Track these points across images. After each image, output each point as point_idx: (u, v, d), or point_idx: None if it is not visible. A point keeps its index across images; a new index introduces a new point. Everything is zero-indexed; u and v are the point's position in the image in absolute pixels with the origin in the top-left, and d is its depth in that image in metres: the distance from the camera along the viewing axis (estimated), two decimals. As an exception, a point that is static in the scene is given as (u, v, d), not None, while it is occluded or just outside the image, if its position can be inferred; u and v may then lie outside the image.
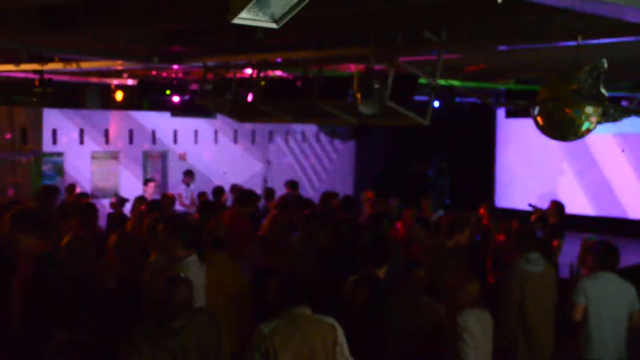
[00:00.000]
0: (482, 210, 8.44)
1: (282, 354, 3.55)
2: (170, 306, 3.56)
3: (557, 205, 7.53)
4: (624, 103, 9.38)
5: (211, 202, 8.33)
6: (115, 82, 10.11)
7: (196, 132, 12.85)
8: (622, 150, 13.21)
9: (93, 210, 6.43)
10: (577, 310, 4.71)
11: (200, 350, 3.60)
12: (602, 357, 4.73)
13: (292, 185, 9.92)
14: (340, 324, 3.75)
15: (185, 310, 3.61)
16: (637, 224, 12.86)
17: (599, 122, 4.17)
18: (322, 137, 15.02)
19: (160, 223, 4.79)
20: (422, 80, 6.25)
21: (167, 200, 8.44)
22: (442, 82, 6.12)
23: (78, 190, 9.59)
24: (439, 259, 5.22)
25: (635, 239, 11.65)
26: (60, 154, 11.12)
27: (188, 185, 11.05)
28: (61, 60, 7.50)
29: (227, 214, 6.80)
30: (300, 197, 9.36)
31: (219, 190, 9.18)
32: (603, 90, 4.14)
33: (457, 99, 10.56)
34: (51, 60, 7.57)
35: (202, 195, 9.71)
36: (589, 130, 4.17)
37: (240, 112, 8.21)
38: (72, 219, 6.55)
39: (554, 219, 7.35)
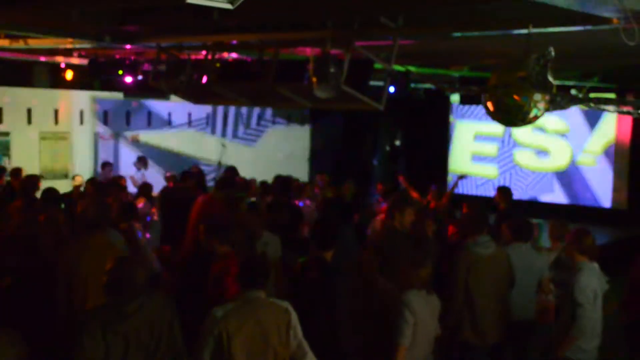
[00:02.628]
0: (430, 195, 8.63)
1: (235, 338, 3.55)
2: (124, 288, 3.52)
3: (504, 191, 7.74)
4: (573, 92, 9.63)
5: (103, 184, 8.21)
6: (65, 61, 9.85)
7: (149, 114, 12.67)
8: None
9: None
10: None
11: (153, 333, 3.57)
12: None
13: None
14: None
15: (139, 293, 3.58)
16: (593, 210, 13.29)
17: (546, 110, 4.28)
18: (278, 120, 14.98)
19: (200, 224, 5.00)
20: (378, 66, 6.29)
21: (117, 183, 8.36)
22: (397, 67, 6.17)
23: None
24: (390, 240, 5.31)
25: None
26: (6, 134, 10.81)
27: (139, 169, 10.95)
28: (8, 37, 7.27)
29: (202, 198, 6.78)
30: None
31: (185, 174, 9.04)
32: (550, 78, 4.25)
33: (412, 85, 10.67)
34: (-3, 36, 7.33)
35: (170, 178, 9.56)
36: (536, 117, 4.28)
37: (194, 94, 8.11)
38: (18, 200, 6.41)
39: (503, 205, 7.54)
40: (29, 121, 11.08)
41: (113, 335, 3.46)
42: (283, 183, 8.20)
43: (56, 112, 11.44)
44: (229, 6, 2.30)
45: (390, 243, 5.20)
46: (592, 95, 7.29)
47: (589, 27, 4.61)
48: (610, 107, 4.78)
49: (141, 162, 11.06)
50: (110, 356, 3.44)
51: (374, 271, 4.52)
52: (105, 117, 12.07)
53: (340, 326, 4.35)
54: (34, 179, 7.70)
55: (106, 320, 3.48)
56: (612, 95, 10.52)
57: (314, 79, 5.69)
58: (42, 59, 9.74)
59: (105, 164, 10.78)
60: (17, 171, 9.14)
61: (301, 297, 4.33)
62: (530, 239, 5.54)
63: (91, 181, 8.38)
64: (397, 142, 15.55)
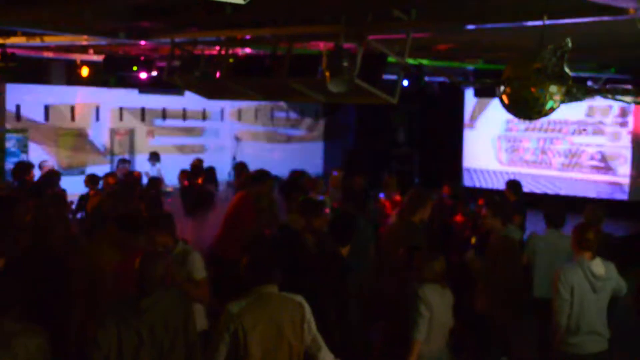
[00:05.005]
0: (445, 190, 8.57)
1: (251, 334, 3.56)
2: (145, 282, 3.55)
3: (513, 184, 7.85)
4: (590, 83, 9.54)
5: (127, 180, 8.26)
6: (80, 57, 9.92)
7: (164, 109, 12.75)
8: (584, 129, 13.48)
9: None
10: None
11: (167, 329, 3.60)
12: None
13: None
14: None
15: (156, 288, 3.60)
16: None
17: (562, 101, 4.23)
18: (292, 115, 15.00)
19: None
20: (391, 59, 6.27)
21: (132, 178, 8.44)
22: (410, 61, 6.14)
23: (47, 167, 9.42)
24: (407, 234, 5.30)
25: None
26: (24, 131, 10.92)
27: (154, 164, 11.02)
28: (24, 34, 7.33)
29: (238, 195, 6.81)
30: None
31: (196, 168, 9.10)
32: (567, 70, 4.20)
33: (427, 78, 10.62)
34: (14, 34, 7.40)
35: (183, 173, 9.62)
36: (552, 109, 4.23)
37: (208, 89, 8.14)
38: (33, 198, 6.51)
39: (513, 197, 7.59)
40: (46, 118, 11.19)
41: (127, 330, 3.50)
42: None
43: (72, 108, 11.54)
44: (240, 1, 2.31)
45: (414, 239, 5.17)
46: (608, 86, 7.21)
47: (604, 18, 4.56)
48: (627, 98, 4.72)
49: (154, 157, 11.12)
50: (123, 351, 3.48)
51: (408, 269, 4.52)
52: (120, 113, 12.15)
53: (351, 322, 4.36)
54: (55, 175, 7.83)
55: (121, 315, 3.52)
56: (628, 86, 10.40)
57: (327, 73, 5.67)
58: (59, 56, 9.82)
59: (123, 161, 10.74)
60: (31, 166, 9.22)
61: (315, 292, 4.34)
62: (562, 226, 5.83)
63: (110, 177, 8.45)
64: (402, 137, 15.44)
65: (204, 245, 6.30)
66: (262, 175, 6.87)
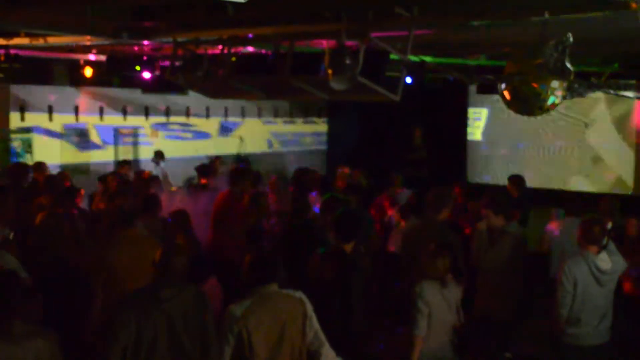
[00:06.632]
0: (457, 189, 8.55)
1: (255, 334, 3.58)
2: (166, 273, 3.56)
3: (517, 180, 7.86)
4: (593, 79, 9.51)
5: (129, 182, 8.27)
6: (84, 58, 9.95)
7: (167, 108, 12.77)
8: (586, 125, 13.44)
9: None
10: None
11: (186, 321, 3.57)
12: None
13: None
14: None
15: (177, 280, 3.60)
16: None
17: (564, 97, 4.24)
18: (295, 113, 15.01)
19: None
20: (394, 56, 6.27)
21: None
22: (413, 58, 6.14)
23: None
24: (433, 233, 5.22)
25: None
26: (28, 131, 10.96)
27: (158, 164, 11.02)
28: (27, 35, 7.36)
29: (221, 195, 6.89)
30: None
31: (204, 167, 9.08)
32: (568, 65, 4.20)
33: (430, 74, 10.61)
34: (17, 35, 7.42)
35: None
36: (554, 105, 4.24)
37: (211, 89, 8.15)
38: (42, 197, 6.52)
39: (516, 193, 7.60)
40: (50, 118, 11.22)
41: (145, 320, 3.49)
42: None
43: (76, 108, 11.57)
44: (241, 0, 2.31)
45: (442, 238, 5.11)
46: (610, 81, 7.19)
47: (606, 13, 4.55)
48: (630, 93, 4.72)
49: (158, 157, 11.12)
50: (142, 341, 3.48)
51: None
52: (124, 112, 12.18)
53: (355, 320, 4.36)
54: (61, 177, 7.85)
55: (140, 305, 3.53)
56: (632, 82, 10.36)
57: (330, 71, 5.68)
58: (62, 56, 9.84)
59: (124, 162, 10.53)
60: (39, 166, 9.24)
61: (317, 289, 4.35)
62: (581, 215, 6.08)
63: (114, 177, 8.47)
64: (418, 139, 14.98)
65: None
66: (243, 172, 7.00)
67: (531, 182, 9.96)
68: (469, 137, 15.00)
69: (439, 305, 4.34)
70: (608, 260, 4.68)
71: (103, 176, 8.78)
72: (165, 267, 3.58)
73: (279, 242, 5.92)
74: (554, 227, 6.79)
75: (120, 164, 10.45)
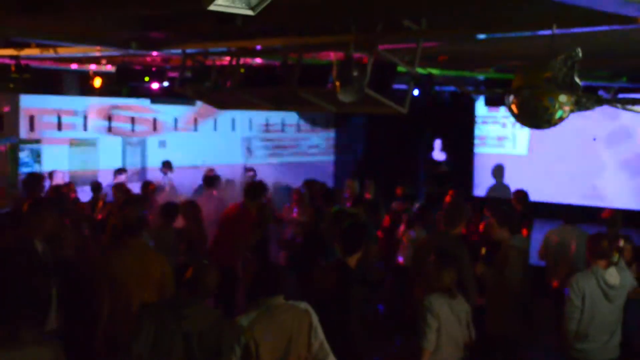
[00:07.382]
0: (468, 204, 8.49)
1: (262, 345, 3.57)
2: (199, 287, 3.59)
3: (520, 194, 7.86)
4: (602, 92, 9.50)
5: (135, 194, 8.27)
6: (93, 68, 10.02)
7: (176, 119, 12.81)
8: (594, 139, 13.38)
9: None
10: None
11: (201, 342, 3.57)
12: None
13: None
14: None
15: (204, 297, 3.65)
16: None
17: (572, 111, 4.23)
18: (302, 125, 15.02)
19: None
20: (401, 69, 6.28)
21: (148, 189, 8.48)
22: (420, 70, 6.15)
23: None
24: (447, 247, 5.10)
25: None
26: (38, 141, 11.02)
27: (165, 174, 11.04)
28: (38, 46, 7.42)
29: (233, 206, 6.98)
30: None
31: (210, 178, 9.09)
32: (577, 79, 4.20)
33: (437, 88, 10.61)
34: (28, 46, 7.48)
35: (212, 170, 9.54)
36: (562, 119, 4.23)
37: (219, 100, 8.19)
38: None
39: (520, 207, 7.58)
40: (59, 127, 11.29)
41: (163, 333, 3.51)
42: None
43: (85, 118, 11.63)
44: (250, 12, 2.33)
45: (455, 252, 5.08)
46: (619, 96, 7.20)
47: (614, 27, 4.55)
48: (638, 108, 4.70)
49: (167, 167, 11.12)
50: (156, 351, 3.50)
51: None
52: (132, 123, 12.23)
53: (355, 334, 4.34)
54: (64, 190, 7.89)
55: (161, 317, 3.54)
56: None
57: (338, 83, 5.70)
58: (72, 67, 9.91)
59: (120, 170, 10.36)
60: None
61: (319, 302, 4.32)
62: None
63: (119, 188, 8.48)
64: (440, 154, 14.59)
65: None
66: (261, 188, 7.11)
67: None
68: (477, 150, 14.98)
69: (447, 319, 4.30)
70: (617, 275, 4.65)
71: (96, 185, 8.79)
72: (194, 285, 3.61)
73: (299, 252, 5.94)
74: (552, 234, 6.96)
75: (117, 173, 10.21)
